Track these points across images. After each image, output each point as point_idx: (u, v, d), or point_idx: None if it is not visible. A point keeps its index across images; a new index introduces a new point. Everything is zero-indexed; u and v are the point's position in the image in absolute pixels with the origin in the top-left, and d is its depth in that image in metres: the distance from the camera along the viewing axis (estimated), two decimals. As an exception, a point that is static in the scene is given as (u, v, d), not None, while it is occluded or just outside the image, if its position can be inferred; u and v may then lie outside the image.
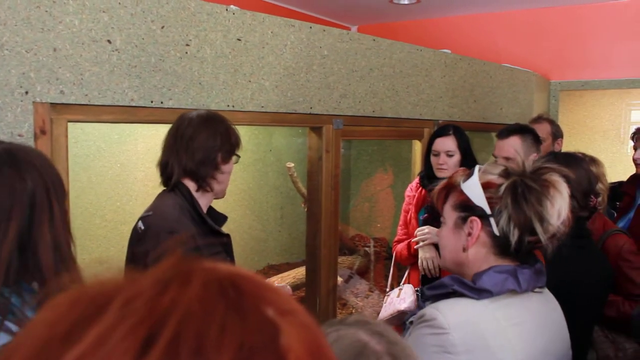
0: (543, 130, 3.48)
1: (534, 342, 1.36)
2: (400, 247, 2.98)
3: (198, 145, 1.93)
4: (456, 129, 2.88)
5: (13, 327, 1.00)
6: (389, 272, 3.36)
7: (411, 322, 1.40)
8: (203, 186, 1.97)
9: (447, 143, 2.84)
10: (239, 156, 2.06)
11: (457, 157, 2.82)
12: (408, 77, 3.33)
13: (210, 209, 2.09)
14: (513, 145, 2.82)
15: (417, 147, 3.59)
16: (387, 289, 3.20)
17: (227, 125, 2.01)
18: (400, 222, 3.07)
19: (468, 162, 2.76)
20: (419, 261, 2.80)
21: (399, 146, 4.40)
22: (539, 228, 1.31)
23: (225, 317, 0.37)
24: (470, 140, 2.93)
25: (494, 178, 1.38)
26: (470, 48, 5.03)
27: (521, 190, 1.33)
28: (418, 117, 3.43)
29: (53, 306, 0.38)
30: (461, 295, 1.35)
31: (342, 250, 4.06)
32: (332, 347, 0.81)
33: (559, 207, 1.32)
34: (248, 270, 0.43)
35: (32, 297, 1.05)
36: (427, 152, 2.94)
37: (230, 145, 2.00)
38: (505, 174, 1.38)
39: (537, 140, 2.92)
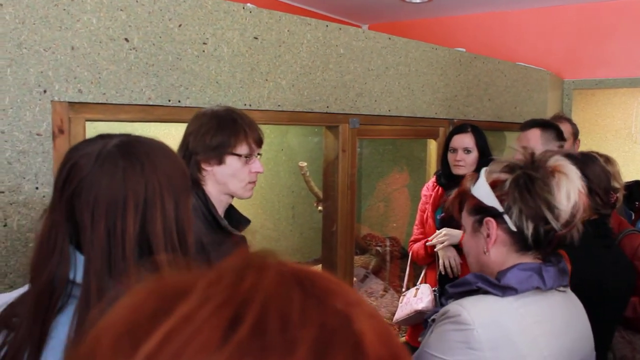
0: (565, 130, 3.45)
1: (559, 340, 1.34)
2: (416, 247, 2.95)
3: (186, 143, 1.89)
4: (474, 127, 2.88)
5: None
6: (403, 271, 3.33)
7: (433, 320, 1.39)
8: (193, 186, 1.90)
9: (465, 140, 2.84)
10: (238, 155, 1.89)
11: (474, 154, 2.81)
12: (423, 75, 3.30)
13: (233, 210, 2.05)
14: (532, 136, 2.83)
15: (432, 146, 3.56)
16: (403, 289, 3.17)
17: (218, 123, 1.87)
18: (417, 222, 3.05)
19: (486, 160, 2.74)
20: (440, 261, 2.77)
21: (412, 145, 4.37)
22: (549, 215, 1.30)
23: (304, 302, 0.39)
24: (486, 139, 2.91)
25: (500, 175, 1.38)
26: (483, 46, 4.99)
27: (523, 182, 1.32)
28: (433, 116, 3.41)
29: (132, 294, 0.41)
30: (485, 292, 1.34)
31: (354, 249, 4.03)
32: None
33: (566, 189, 1.31)
34: (316, 268, 0.44)
35: None
36: (445, 151, 2.93)
37: (216, 144, 1.85)
38: (509, 169, 1.38)
39: (559, 136, 2.90)
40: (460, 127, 2.92)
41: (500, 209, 1.35)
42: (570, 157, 2.15)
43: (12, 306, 1.07)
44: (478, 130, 2.88)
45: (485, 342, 1.24)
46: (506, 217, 1.35)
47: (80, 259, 1.02)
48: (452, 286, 1.44)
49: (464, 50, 3.72)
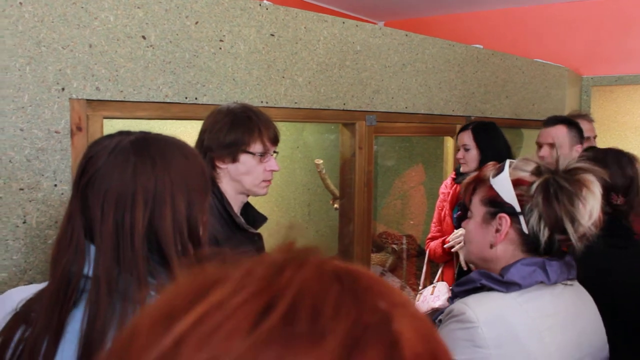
0: (587, 129, 3.43)
1: (566, 334, 1.33)
2: (434, 245, 2.94)
3: (201, 140, 1.90)
4: (478, 125, 2.89)
5: None
6: (420, 269, 3.32)
7: (440, 321, 1.38)
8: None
9: (463, 137, 2.90)
10: (252, 153, 1.88)
11: (473, 152, 2.84)
12: (440, 72, 3.28)
13: (250, 208, 2.04)
14: (559, 134, 2.82)
15: (449, 143, 3.54)
16: (420, 287, 3.15)
17: (232, 120, 1.86)
18: (434, 219, 3.03)
19: (488, 158, 2.70)
20: (461, 257, 2.76)
21: (429, 143, 4.35)
22: (570, 228, 1.29)
23: (340, 297, 0.39)
24: (496, 138, 2.88)
25: (525, 175, 1.36)
26: (500, 43, 4.95)
27: (553, 190, 1.30)
28: (450, 113, 3.38)
29: (174, 283, 0.42)
30: (489, 289, 1.33)
31: (371, 247, 4.02)
32: None
33: (590, 207, 1.30)
34: (363, 268, 0.44)
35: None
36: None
37: (230, 142, 1.85)
38: (537, 171, 1.36)
39: (581, 134, 2.90)
40: (465, 125, 2.96)
41: (518, 208, 1.34)
42: (597, 152, 2.14)
43: (29, 302, 1.08)
44: (482, 128, 2.88)
45: (490, 339, 1.24)
46: (521, 218, 1.34)
47: (93, 252, 1.03)
48: (457, 285, 1.45)
49: (481, 46, 3.69)
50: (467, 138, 2.85)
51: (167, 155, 1.07)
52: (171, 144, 1.11)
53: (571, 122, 2.95)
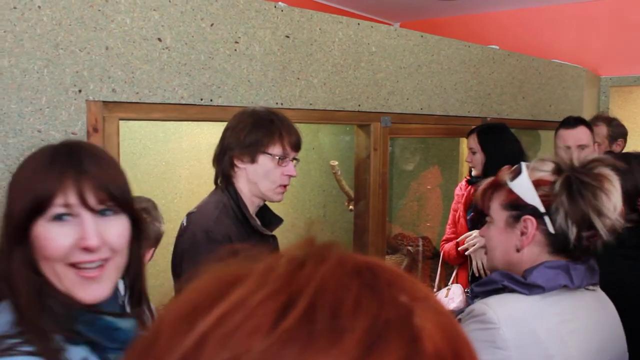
0: (600, 133, 3.40)
1: (588, 339, 1.32)
2: (448, 247, 2.93)
3: (223, 139, 1.92)
4: (483, 129, 2.88)
5: None
6: (435, 271, 3.30)
7: (459, 320, 1.37)
8: (226, 184, 1.92)
9: (470, 141, 2.89)
10: (271, 155, 1.89)
11: (478, 155, 2.84)
12: (456, 73, 3.27)
13: (266, 209, 2.05)
14: (584, 136, 2.83)
15: (465, 145, 3.52)
16: (435, 289, 3.14)
17: (254, 121, 1.88)
18: (449, 221, 3.02)
19: (493, 161, 2.67)
20: (474, 262, 2.74)
21: (444, 144, 4.33)
22: (598, 223, 1.28)
23: (360, 293, 0.39)
24: (504, 140, 2.84)
25: (545, 175, 1.35)
26: (517, 43, 4.92)
27: (576, 186, 1.30)
28: (466, 114, 3.37)
29: (197, 280, 0.42)
30: (511, 291, 1.32)
31: (385, 248, 4.01)
32: None
33: (615, 200, 1.29)
34: (385, 261, 0.44)
35: None
36: None
37: (250, 142, 1.86)
38: (557, 170, 1.35)
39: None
40: (472, 129, 2.95)
41: (542, 209, 1.33)
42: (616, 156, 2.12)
43: None
44: (487, 132, 2.86)
45: (511, 340, 1.23)
46: (546, 218, 1.33)
47: None
48: (478, 285, 1.43)
49: (498, 47, 3.67)
50: (473, 141, 2.84)
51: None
52: (93, 149, 1.14)
53: (589, 124, 2.95)
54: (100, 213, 1.03)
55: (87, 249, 1.00)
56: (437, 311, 0.40)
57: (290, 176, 1.93)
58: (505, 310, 1.27)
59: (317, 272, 0.40)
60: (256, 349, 0.35)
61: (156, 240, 1.97)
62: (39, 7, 1.74)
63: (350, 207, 3.25)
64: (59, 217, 1.00)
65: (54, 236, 1.00)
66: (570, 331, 1.29)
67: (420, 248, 4.15)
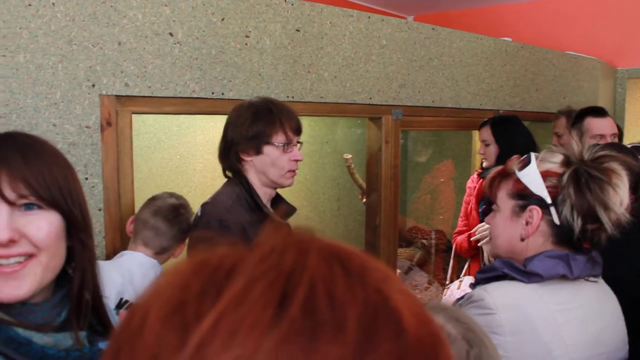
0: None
1: (584, 329, 1.33)
2: (460, 239, 2.93)
3: (225, 135, 1.95)
4: (496, 121, 2.88)
5: None
6: (448, 264, 3.31)
7: (460, 305, 1.39)
8: (238, 177, 1.95)
9: (483, 133, 2.89)
10: (274, 144, 1.91)
11: (492, 147, 2.83)
12: (468, 66, 3.27)
13: (279, 198, 2.09)
14: (608, 125, 2.84)
15: (477, 137, 3.52)
16: (447, 282, 3.15)
17: (253, 114, 1.90)
18: (461, 214, 3.03)
19: (507, 153, 2.67)
20: (485, 255, 2.75)
21: (457, 137, 4.33)
22: (603, 216, 1.29)
23: (347, 279, 0.39)
24: (517, 132, 2.84)
25: (554, 167, 1.36)
26: (531, 36, 4.89)
27: (584, 179, 1.31)
28: (478, 107, 3.37)
29: (177, 272, 0.41)
30: (512, 278, 1.34)
31: (399, 242, 4.03)
32: None
33: (621, 194, 1.30)
34: (346, 244, 0.44)
35: None
36: None
37: (253, 135, 1.88)
38: (566, 162, 1.36)
39: None
40: (485, 121, 2.94)
41: (548, 200, 1.34)
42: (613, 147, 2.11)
43: None
44: (502, 123, 2.86)
45: (507, 326, 1.25)
46: (552, 209, 1.34)
47: None
48: (479, 272, 1.45)
49: (511, 39, 3.66)
50: (487, 133, 2.84)
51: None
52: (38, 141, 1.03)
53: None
54: (26, 207, 0.94)
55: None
56: (402, 291, 0.41)
57: (297, 160, 1.96)
58: (502, 297, 1.29)
59: (303, 261, 0.39)
60: (260, 348, 0.34)
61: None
62: (53, 3, 1.78)
63: (364, 199, 3.26)
64: None
65: None
66: (566, 321, 1.30)
67: (434, 241, 4.16)
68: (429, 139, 4.58)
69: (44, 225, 0.95)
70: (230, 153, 1.91)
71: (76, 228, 1.00)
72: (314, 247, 0.41)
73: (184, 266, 0.41)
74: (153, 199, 2.02)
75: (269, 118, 1.89)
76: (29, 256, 0.94)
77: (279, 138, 1.90)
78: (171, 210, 1.97)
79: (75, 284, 1.01)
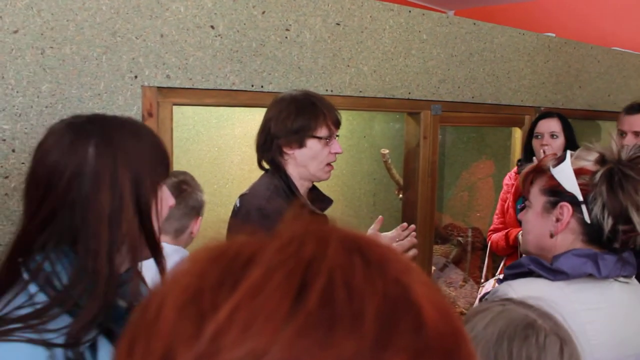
0: None
1: (610, 330, 1.30)
2: (496, 237, 2.89)
3: (267, 128, 1.94)
4: (560, 114, 2.83)
5: None
6: (484, 262, 3.27)
7: (486, 300, 1.38)
8: (276, 169, 1.95)
9: (551, 124, 2.81)
10: (319, 137, 1.92)
11: (561, 139, 2.77)
12: (509, 62, 3.22)
13: (317, 191, 2.10)
14: None
15: (517, 134, 3.47)
16: (482, 280, 3.12)
17: (297, 108, 1.90)
18: (497, 211, 2.99)
19: (572, 147, 2.65)
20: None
21: (497, 134, 4.27)
22: (635, 217, 1.27)
23: (366, 269, 0.38)
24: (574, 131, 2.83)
25: (588, 165, 1.35)
26: (575, 31, 4.78)
27: (618, 179, 1.29)
28: (519, 103, 3.31)
29: (194, 260, 0.40)
30: (538, 276, 1.33)
31: (435, 239, 4.00)
32: (497, 317, 0.95)
33: None
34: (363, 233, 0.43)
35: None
36: (528, 138, 2.87)
37: (297, 128, 1.89)
38: (601, 160, 1.34)
39: None
40: (547, 113, 2.90)
41: (580, 198, 1.33)
42: None
43: None
44: (565, 118, 2.84)
45: None
46: (583, 207, 1.32)
47: None
48: (508, 268, 1.45)
49: (554, 35, 3.59)
50: (556, 125, 2.79)
51: (111, 133, 1.03)
52: (117, 123, 1.06)
53: None
54: None
55: None
56: (425, 282, 0.40)
57: (337, 153, 1.96)
58: (527, 293, 1.27)
59: (322, 250, 0.38)
60: (276, 340, 0.34)
61: (200, 209, 2.04)
62: (99, -4, 1.81)
63: (400, 195, 3.25)
64: None
65: None
66: (591, 320, 1.28)
67: (470, 239, 4.12)
68: (467, 135, 4.52)
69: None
70: (273, 146, 1.93)
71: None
72: (335, 236, 0.40)
73: (201, 254, 0.41)
74: None
75: (312, 111, 1.90)
76: None
77: (322, 131, 1.91)
78: (171, 190, 1.97)
79: None
